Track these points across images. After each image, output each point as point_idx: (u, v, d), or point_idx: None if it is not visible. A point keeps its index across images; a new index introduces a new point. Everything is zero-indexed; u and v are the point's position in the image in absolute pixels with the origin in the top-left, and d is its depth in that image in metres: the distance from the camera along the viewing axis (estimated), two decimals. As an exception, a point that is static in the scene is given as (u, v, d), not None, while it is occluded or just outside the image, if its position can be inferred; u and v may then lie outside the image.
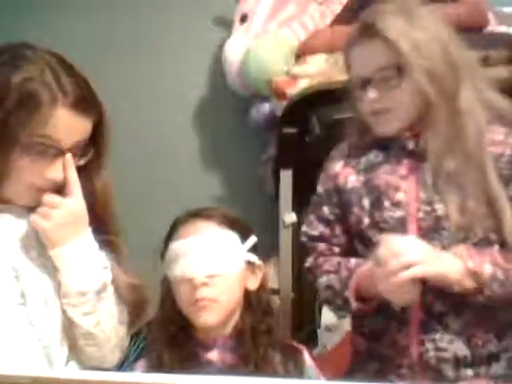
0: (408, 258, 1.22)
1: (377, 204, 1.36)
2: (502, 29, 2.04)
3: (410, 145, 1.36)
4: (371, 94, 1.34)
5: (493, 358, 1.32)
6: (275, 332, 1.40)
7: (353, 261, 1.40)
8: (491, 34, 1.98)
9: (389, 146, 1.39)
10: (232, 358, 1.35)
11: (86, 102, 1.17)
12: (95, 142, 1.22)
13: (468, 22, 1.91)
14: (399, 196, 1.34)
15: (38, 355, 1.16)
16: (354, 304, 1.35)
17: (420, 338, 1.32)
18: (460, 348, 1.31)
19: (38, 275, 1.18)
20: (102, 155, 1.24)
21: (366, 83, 1.35)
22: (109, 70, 2.52)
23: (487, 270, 1.25)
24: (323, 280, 1.42)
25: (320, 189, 1.48)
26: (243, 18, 2.20)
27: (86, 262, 1.20)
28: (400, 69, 1.31)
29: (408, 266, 1.21)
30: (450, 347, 1.31)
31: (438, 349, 1.31)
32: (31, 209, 1.20)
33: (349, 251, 1.44)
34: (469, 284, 1.25)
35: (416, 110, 1.34)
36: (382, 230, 1.34)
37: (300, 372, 1.34)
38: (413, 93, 1.32)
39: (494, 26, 2.04)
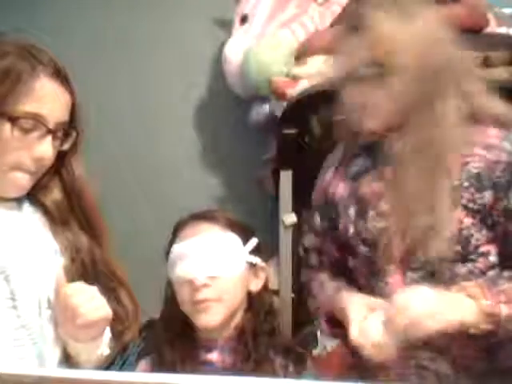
0: (417, 313, 1.16)
1: (362, 213, 1.33)
2: (502, 30, 2.04)
3: (396, 146, 1.30)
4: (356, 88, 1.29)
5: (481, 380, 1.26)
6: (277, 334, 1.40)
7: (329, 289, 1.37)
8: (491, 35, 1.98)
9: (377, 151, 1.35)
10: (232, 359, 1.36)
11: (63, 73, 1.20)
12: (74, 127, 1.24)
13: (468, 23, 1.91)
14: (384, 206, 1.30)
15: (30, 358, 1.15)
16: (328, 333, 1.36)
17: (402, 354, 1.25)
18: (443, 367, 1.26)
19: (31, 276, 1.17)
20: (80, 142, 1.26)
21: (353, 77, 1.30)
22: (108, 70, 2.52)
23: (503, 310, 1.19)
24: (309, 301, 1.43)
25: (313, 200, 1.47)
26: (244, 19, 2.20)
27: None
28: (382, 66, 1.26)
29: (419, 322, 1.15)
30: (432, 365, 1.27)
31: (419, 366, 1.27)
32: (17, 203, 1.21)
33: (339, 263, 1.41)
34: (484, 325, 1.19)
35: (396, 111, 1.29)
36: (364, 240, 1.31)
37: (299, 376, 1.34)
38: (393, 92, 1.27)
39: (494, 27, 2.04)
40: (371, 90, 1.28)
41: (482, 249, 1.26)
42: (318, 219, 1.44)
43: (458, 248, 1.24)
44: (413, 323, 1.16)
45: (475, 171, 1.26)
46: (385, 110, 1.29)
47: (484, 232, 1.26)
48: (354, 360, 1.39)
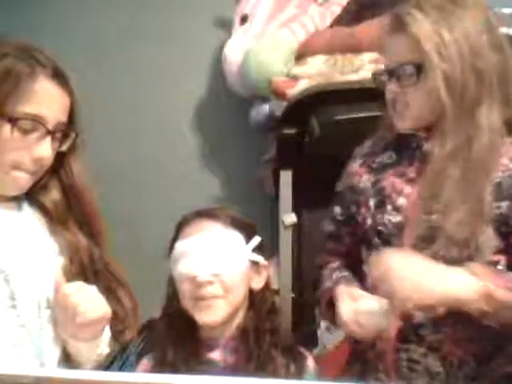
0: (397, 281, 1.16)
1: (380, 206, 1.34)
2: (502, 30, 2.04)
3: (426, 146, 1.30)
4: (391, 85, 1.32)
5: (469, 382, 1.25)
6: (279, 332, 1.41)
7: (332, 279, 1.39)
8: (491, 35, 1.98)
9: (405, 147, 1.35)
10: (234, 358, 1.36)
11: (62, 74, 1.21)
12: (73, 128, 1.24)
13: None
14: (401, 200, 1.31)
15: (30, 357, 1.16)
16: (334, 325, 1.37)
17: (396, 346, 1.28)
18: (433, 364, 1.26)
19: (30, 276, 1.18)
20: (79, 142, 1.26)
21: (390, 75, 1.32)
22: (108, 70, 2.52)
23: (503, 294, 1.17)
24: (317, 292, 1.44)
25: (338, 187, 1.47)
26: (244, 19, 2.20)
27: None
28: (420, 67, 1.26)
29: (401, 292, 1.15)
30: (423, 361, 1.27)
31: (410, 359, 1.28)
32: (16, 203, 1.21)
33: (353, 253, 1.43)
34: (480, 305, 1.16)
35: (430, 113, 1.29)
36: (380, 234, 1.33)
37: (300, 377, 1.34)
38: (428, 95, 1.27)
39: (494, 27, 2.03)
40: (408, 89, 1.29)
41: (492, 257, 1.25)
42: (338, 208, 1.45)
43: (469, 252, 1.23)
44: (393, 292, 1.16)
45: (497, 180, 1.26)
46: (418, 110, 1.30)
47: (496, 241, 1.25)
48: (352, 356, 1.41)
